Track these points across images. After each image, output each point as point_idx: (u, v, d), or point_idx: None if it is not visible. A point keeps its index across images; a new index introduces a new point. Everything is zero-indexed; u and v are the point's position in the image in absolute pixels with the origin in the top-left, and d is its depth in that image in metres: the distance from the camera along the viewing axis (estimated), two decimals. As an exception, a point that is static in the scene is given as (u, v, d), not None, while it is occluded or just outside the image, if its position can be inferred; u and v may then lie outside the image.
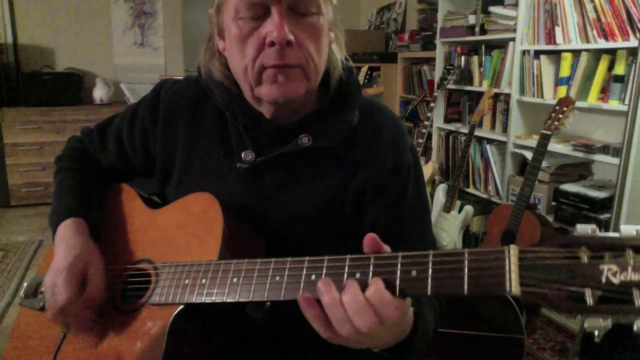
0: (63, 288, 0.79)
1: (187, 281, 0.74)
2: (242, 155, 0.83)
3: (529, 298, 0.50)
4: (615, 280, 0.46)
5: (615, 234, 0.48)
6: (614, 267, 0.47)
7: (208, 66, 0.86)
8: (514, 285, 0.50)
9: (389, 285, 0.58)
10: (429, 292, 0.56)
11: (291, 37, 0.71)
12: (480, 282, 0.53)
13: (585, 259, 0.48)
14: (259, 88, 0.77)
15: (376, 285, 0.57)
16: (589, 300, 0.47)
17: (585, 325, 0.47)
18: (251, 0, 0.72)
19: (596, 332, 0.47)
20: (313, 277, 0.64)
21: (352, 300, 0.58)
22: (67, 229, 0.88)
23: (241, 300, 0.68)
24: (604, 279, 0.47)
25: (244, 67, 0.76)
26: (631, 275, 0.46)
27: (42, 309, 0.90)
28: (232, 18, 0.75)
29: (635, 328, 0.46)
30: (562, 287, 0.48)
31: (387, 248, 0.63)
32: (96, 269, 0.84)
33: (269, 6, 0.71)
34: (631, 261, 0.46)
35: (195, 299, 0.72)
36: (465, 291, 0.53)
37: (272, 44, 0.71)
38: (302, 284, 0.64)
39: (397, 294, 0.58)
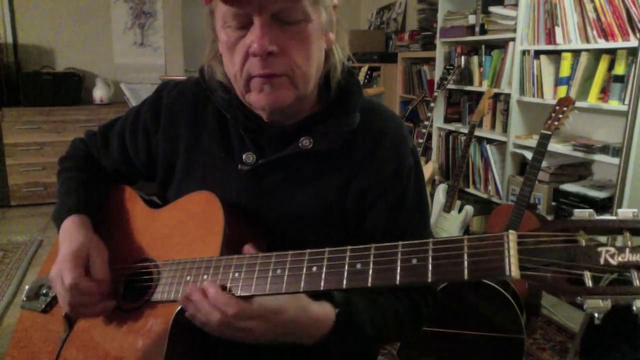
0: (68, 271, 0.80)
1: (188, 278, 0.74)
2: (243, 157, 0.84)
3: (529, 281, 0.50)
4: (614, 262, 0.47)
5: (612, 217, 0.49)
6: (612, 249, 0.47)
7: (211, 66, 0.86)
8: (513, 269, 0.51)
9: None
10: (429, 279, 0.57)
11: (272, 48, 0.71)
12: (481, 267, 0.54)
13: (583, 242, 0.49)
14: (248, 95, 0.77)
15: (213, 288, 0.68)
16: (588, 282, 0.48)
17: (585, 307, 0.48)
18: (235, 11, 0.71)
19: (596, 315, 0.48)
20: (314, 269, 0.64)
21: (198, 299, 0.69)
22: (70, 225, 0.89)
23: (243, 294, 0.68)
24: (602, 261, 0.48)
25: (234, 75, 0.77)
26: (629, 257, 0.46)
27: (45, 310, 0.90)
28: (221, 26, 0.76)
29: (634, 308, 0.46)
30: (561, 269, 0.49)
31: None
32: (98, 254, 0.84)
33: (251, 16, 0.71)
34: (629, 243, 0.47)
35: None
36: (466, 276, 0.54)
37: (255, 54, 0.72)
38: (303, 276, 0.65)
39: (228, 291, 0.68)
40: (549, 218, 2.45)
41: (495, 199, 2.96)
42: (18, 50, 4.37)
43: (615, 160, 2.15)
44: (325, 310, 0.72)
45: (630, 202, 2.08)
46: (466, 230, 2.78)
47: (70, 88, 4.22)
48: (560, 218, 2.43)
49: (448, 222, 2.74)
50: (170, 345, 0.71)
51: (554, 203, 2.51)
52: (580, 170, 2.61)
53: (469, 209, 2.72)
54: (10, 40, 4.32)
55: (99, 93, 4.43)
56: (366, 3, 5.16)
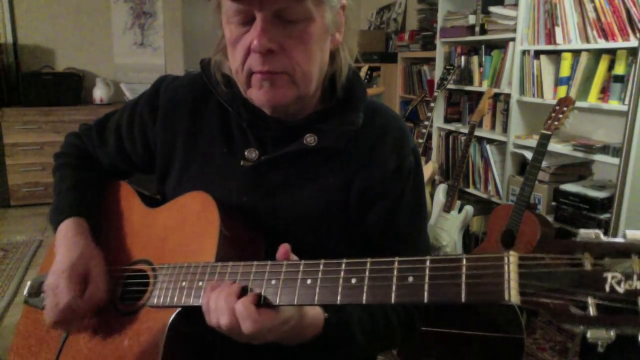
0: (65, 289, 0.79)
1: (184, 283, 0.74)
2: (245, 153, 0.83)
3: (529, 307, 0.48)
4: (620, 289, 0.44)
5: (620, 240, 0.46)
6: (619, 275, 0.44)
7: (218, 59, 0.85)
8: (513, 294, 0.48)
9: (265, 300, 0.65)
10: (425, 300, 0.55)
11: (271, 46, 0.71)
12: (479, 290, 0.51)
13: (588, 265, 0.46)
14: (249, 91, 0.77)
15: (246, 299, 0.64)
16: (592, 311, 0.45)
17: (588, 335, 0.45)
18: (237, 7, 0.72)
19: (599, 343, 0.45)
20: (309, 282, 0.63)
21: (221, 298, 0.65)
22: (68, 229, 0.88)
23: None
24: (608, 288, 0.44)
25: (236, 70, 0.77)
26: (636, 284, 0.43)
27: (44, 308, 0.90)
28: (225, 22, 0.76)
29: None
30: (564, 296, 0.46)
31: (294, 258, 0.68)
32: (98, 271, 0.84)
33: (254, 13, 0.71)
34: (637, 268, 0.44)
35: (192, 301, 0.72)
36: (463, 299, 0.52)
37: (255, 51, 0.72)
38: (297, 289, 0.64)
39: (262, 302, 0.64)
40: (549, 218, 2.45)
41: (495, 199, 2.96)
42: (18, 50, 4.37)
43: (615, 160, 2.15)
44: (317, 315, 0.71)
45: (630, 202, 2.07)
46: (466, 230, 2.78)
47: (70, 88, 4.22)
48: (560, 218, 2.43)
49: (448, 222, 2.74)
50: (167, 349, 0.71)
51: (554, 203, 2.51)
52: (580, 170, 2.61)
53: (469, 209, 2.72)
54: (10, 40, 4.32)
55: (99, 93, 4.43)
56: (366, 3, 5.16)
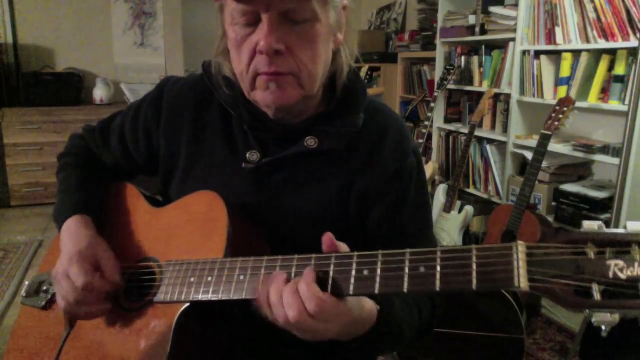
0: (79, 271, 0.78)
1: (192, 279, 0.74)
2: (247, 155, 0.84)
3: (537, 293, 0.51)
4: (622, 276, 0.47)
5: (621, 230, 0.49)
6: (621, 263, 0.47)
7: (219, 61, 0.85)
8: (522, 280, 0.51)
9: (321, 281, 0.63)
10: (437, 288, 0.56)
11: (279, 47, 0.71)
12: (489, 277, 0.54)
13: (591, 254, 0.49)
14: (253, 93, 0.77)
15: (306, 279, 0.62)
16: (596, 295, 0.48)
17: (593, 320, 0.48)
18: (243, 8, 0.71)
19: (603, 327, 0.48)
20: (320, 274, 0.64)
21: (287, 290, 0.62)
22: (73, 224, 0.88)
23: (247, 297, 0.68)
24: (611, 274, 0.48)
25: (240, 72, 0.77)
26: (637, 271, 0.47)
27: (45, 307, 0.89)
28: (229, 23, 0.76)
29: None
30: (569, 282, 0.49)
31: (344, 247, 0.66)
32: (108, 256, 0.84)
33: (260, 14, 0.71)
34: (637, 257, 0.47)
35: (201, 296, 0.72)
36: (474, 286, 0.54)
37: (262, 52, 0.72)
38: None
39: (329, 290, 0.62)
40: (549, 218, 2.45)
41: (495, 199, 2.96)
42: (18, 50, 4.37)
43: (615, 160, 2.15)
44: (371, 308, 0.69)
45: (630, 202, 2.08)
46: (466, 230, 2.78)
47: (70, 88, 4.23)
48: (560, 218, 2.43)
49: (448, 222, 2.74)
50: (174, 344, 0.71)
51: (553, 203, 2.51)
52: (580, 170, 2.61)
53: (469, 209, 2.72)
54: (10, 40, 4.32)
55: (99, 93, 4.43)
56: (366, 3, 5.16)
